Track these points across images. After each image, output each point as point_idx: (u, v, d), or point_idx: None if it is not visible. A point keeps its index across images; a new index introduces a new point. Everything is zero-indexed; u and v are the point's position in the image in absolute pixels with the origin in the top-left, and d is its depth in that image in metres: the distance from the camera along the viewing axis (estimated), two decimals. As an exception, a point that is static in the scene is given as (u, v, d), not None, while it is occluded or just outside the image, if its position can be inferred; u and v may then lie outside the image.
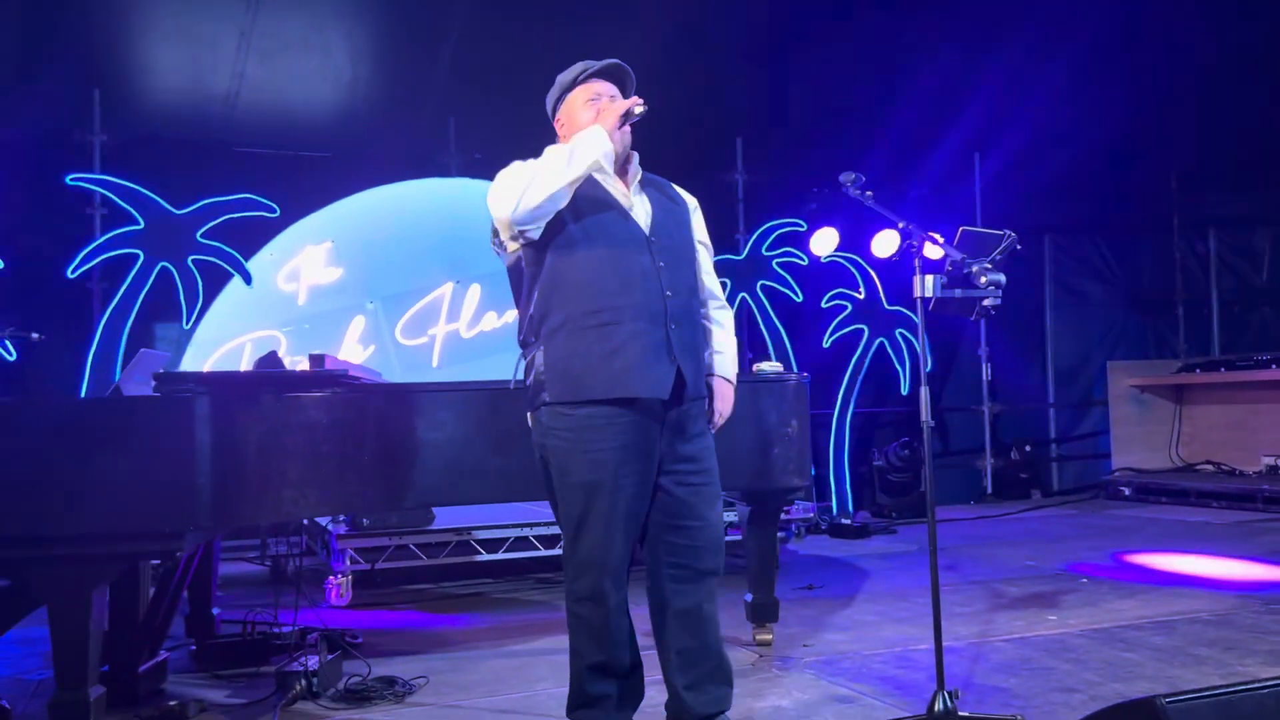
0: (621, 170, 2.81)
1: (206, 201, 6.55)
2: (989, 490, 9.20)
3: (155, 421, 2.91)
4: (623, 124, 2.71)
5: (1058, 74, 8.38)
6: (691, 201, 2.98)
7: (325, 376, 3.12)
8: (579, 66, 2.86)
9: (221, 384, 3.03)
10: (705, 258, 2.97)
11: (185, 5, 7.22)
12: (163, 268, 6.43)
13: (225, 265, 6.61)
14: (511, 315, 7.58)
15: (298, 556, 5.76)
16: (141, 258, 6.39)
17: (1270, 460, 8.78)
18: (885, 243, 7.38)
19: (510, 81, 7.73)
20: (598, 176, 2.73)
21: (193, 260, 6.50)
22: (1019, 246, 2.85)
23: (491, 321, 7.58)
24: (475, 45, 7.72)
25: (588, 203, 2.71)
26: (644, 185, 2.87)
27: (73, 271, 6.34)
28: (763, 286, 7.82)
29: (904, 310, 8.00)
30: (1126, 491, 8.95)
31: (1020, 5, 7.97)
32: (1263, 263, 10.48)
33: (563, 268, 2.69)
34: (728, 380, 2.96)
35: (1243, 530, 6.88)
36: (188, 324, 6.53)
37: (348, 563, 5.12)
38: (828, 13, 7.85)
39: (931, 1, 8.07)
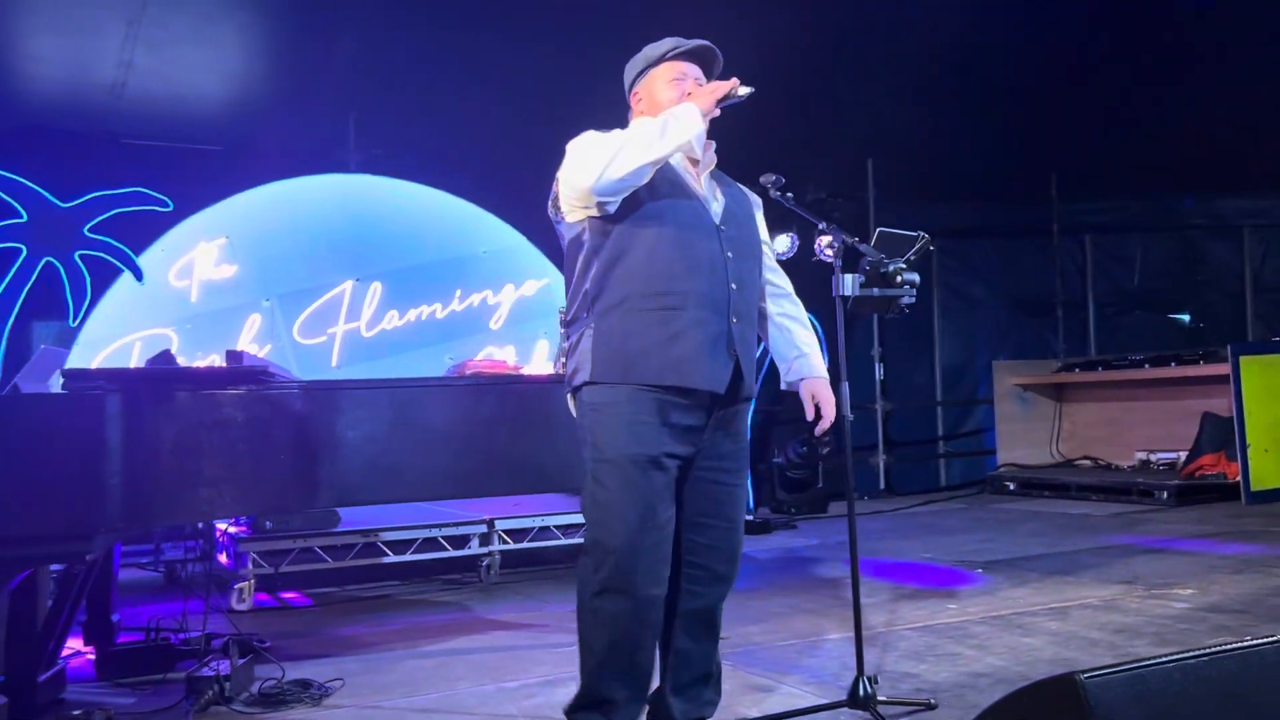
0: (692, 161, 2.73)
1: (95, 194, 6.34)
2: (882, 486, 9.46)
3: (64, 420, 2.81)
4: (719, 106, 2.62)
5: (944, 83, 8.66)
6: (757, 199, 2.93)
7: (242, 373, 3.05)
8: (669, 43, 2.77)
9: (134, 381, 2.94)
10: (769, 255, 2.93)
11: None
12: (47, 263, 6.17)
13: (115, 261, 6.39)
14: (414, 315, 7.53)
15: (194, 561, 5.60)
16: (24, 252, 6.13)
17: (1143, 455, 9.23)
18: (779, 242, 7.54)
19: (412, 78, 7.69)
20: (675, 158, 2.65)
21: (80, 255, 6.26)
22: (932, 248, 2.95)
23: (393, 320, 7.49)
24: (375, 41, 7.60)
25: (663, 182, 2.62)
26: (714, 175, 2.80)
27: (-52, 268, 6.05)
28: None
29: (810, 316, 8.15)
30: (1011, 486, 9.30)
31: (905, 14, 8.23)
32: (1135, 267, 11.00)
33: (628, 245, 2.58)
34: (824, 379, 2.88)
35: (1120, 521, 7.23)
36: (74, 322, 6.30)
37: (250, 566, 5.00)
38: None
39: (828, 11, 8.27)
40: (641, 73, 2.80)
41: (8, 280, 6.10)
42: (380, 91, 7.73)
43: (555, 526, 5.65)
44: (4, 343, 6.10)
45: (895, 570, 5.53)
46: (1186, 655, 2.10)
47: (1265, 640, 2.22)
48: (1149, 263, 10.98)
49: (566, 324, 2.74)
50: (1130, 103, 9.19)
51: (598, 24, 7.90)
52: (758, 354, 2.80)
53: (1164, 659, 2.08)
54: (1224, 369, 8.04)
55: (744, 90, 2.66)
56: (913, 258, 2.92)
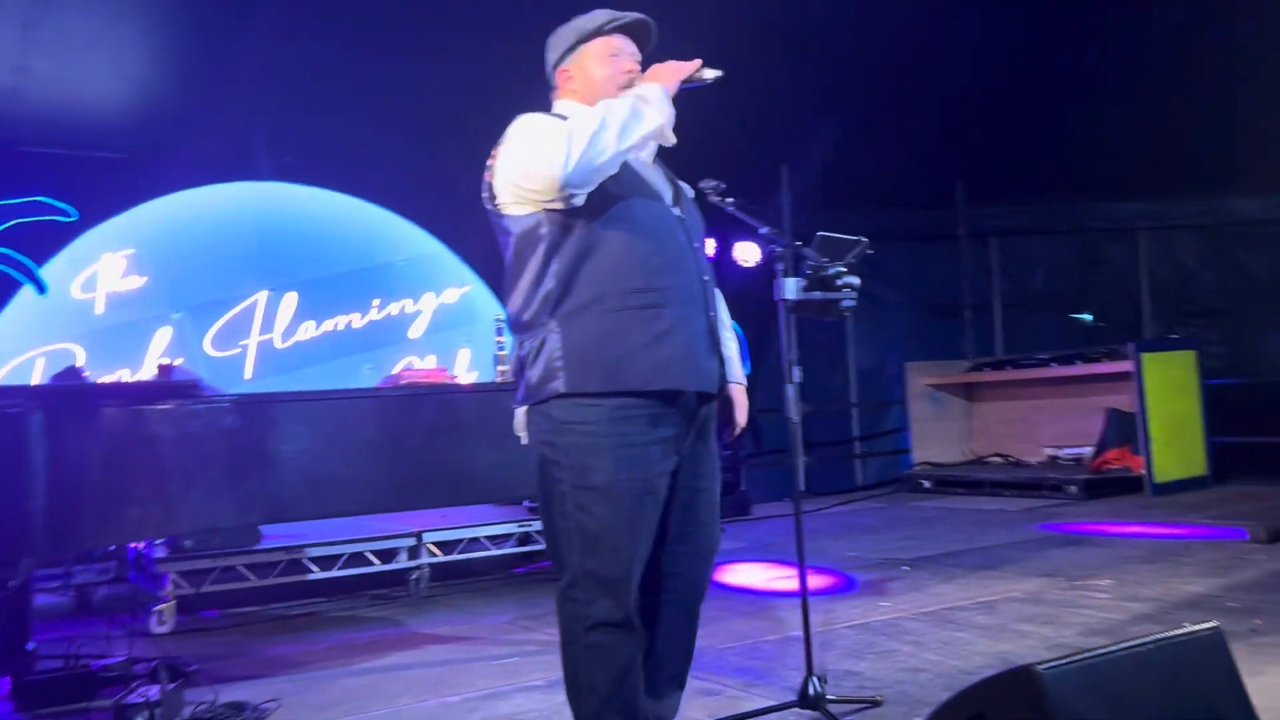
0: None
1: (-8, 204, 6.07)
2: (802, 487, 9.57)
3: (-16, 439, 2.68)
4: (681, 88, 2.44)
5: (854, 92, 8.83)
6: (689, 189, 2.74)
7: (171, 387, 2.95)
8: (603, 15, 2.57)
9: (57, 397, 2.82)
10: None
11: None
12: (-58, 277, 5.91)
13: (14, 273, 6.12)
14: (330, 325, 7.38)
15: (106, 583, 5.41)
16: (-82, 265, 5.86)
17: (1051, 451, 9.52)
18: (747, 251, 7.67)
19: (324, 83, 7.55)
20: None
21: (-25, 268, 6.01)
22: (871, 251, 3.00)
23: (309, 331, 7.35)
24: (286, 46, 7.44)
25: (625, 169, 2.41)
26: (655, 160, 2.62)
27: None
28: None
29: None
30: (927, 484, 9.50)
31: (815, 25, 8.39)
32: (1038, 270, 11.34)
33: (598, 238, 2.36)
34: (742, 385, 2.71)
35: (1032, 515, 7.43)
36: (-25, 336, 6.02)
37: (170, 587, 4.83)
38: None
39: (740, 18, 8.36)
40: (572, 48, 2.57)
41: (-99, 296, 5.83)
42: (292, 97, 7.56)
43: (485, 538, 5.59)
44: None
45: (824, 570, 5.60)
46: (1134, 644, 2.17)
47: (1201, 627, 2.31)
48: (1051, 265, 11.33)
49: (519, 328, 2.45)
50: (1032, 111, 9.47)
51: (509, 28, 7.88)
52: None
53: (1114, 648, 2.15)
54: (1126, 366, 8.34)
55: (710, 73, 2.49)
56: (853, 261, 2.96)
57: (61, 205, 6.26)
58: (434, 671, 3.84)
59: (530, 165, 2.31)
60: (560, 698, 3.33)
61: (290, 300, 7.27)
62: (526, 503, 5.65)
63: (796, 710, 2.99)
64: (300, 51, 7.46)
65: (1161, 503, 7.63)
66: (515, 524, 5.64)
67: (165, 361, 4.30)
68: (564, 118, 2.42)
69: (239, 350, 7.11)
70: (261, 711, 3.35)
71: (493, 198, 2.47)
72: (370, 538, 5.25)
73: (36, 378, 6.35)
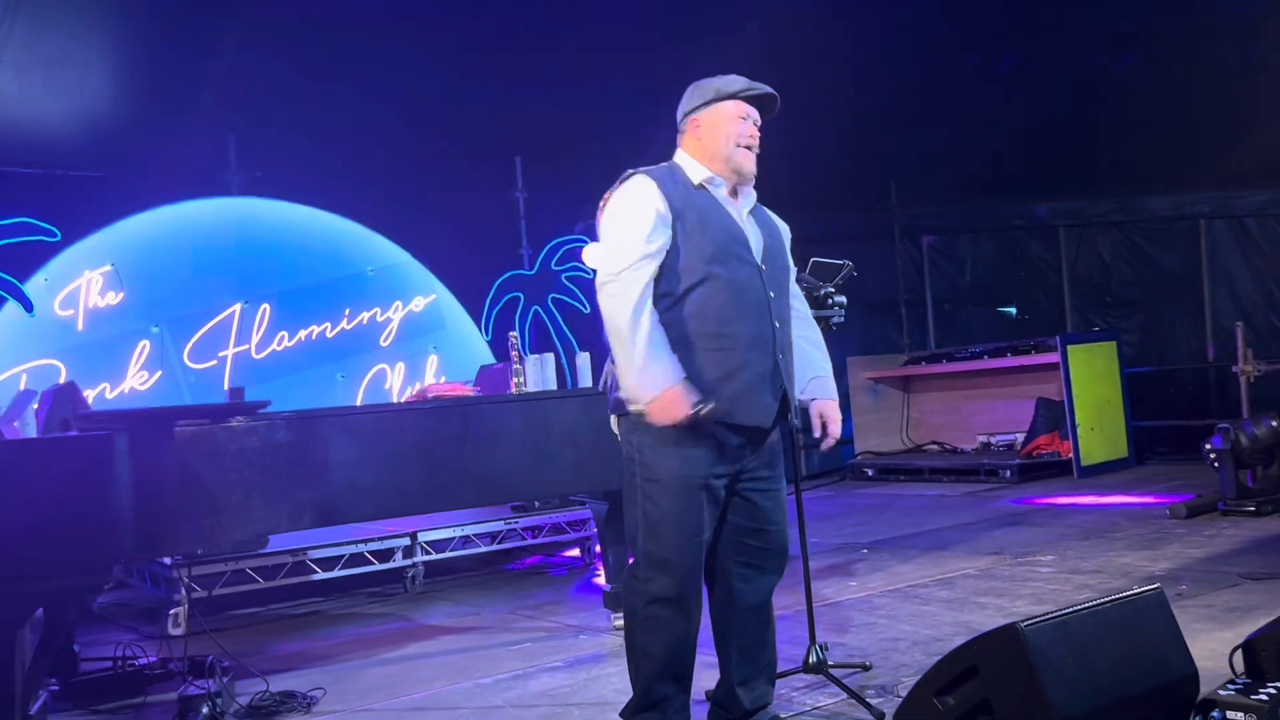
0: (734, 192, 2.87)
1: (-21, 226, 6.23)
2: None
3: (78, 459, 2.97)
4: (686, 421, 2.67)
5: (793, 99, 9.30)
6: (786, 227, 3.05)
7: (234, 407, 3.26)
8: (741, 82, 2.87)
9: (138, 420, 3.12)
10: (792, 280, 3.07)
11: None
12: (-67, 297, 6.06)
13: (2, 293, 6.29)
14: (304, 334, 7.64)
15: (108, 590, 5.63)
16: (-92, 287, 6.01)
17: (984, 438, 10.12)
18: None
19: (289, 98, 7.79)
20: (718, 197, 2.82)
21: (-34, 289, 6.17)
22: (855, 274, 3.43)
23: (284, 341, 7.59)
24: (250, 62, 7.66)
25: (712, 223, 2.75)
26: (752, 210, 2.93)
27: None
28: (553, 299, 8.25)
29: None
30: (870, 472, 10.03)
31: (752, 30, 8.87)
32: (966, 266, 11.96)
33: (683, 288, 2.72)
34: (834, 401, 3.06)
35: (974, 499, 7.99)
36: (-37, 356, 6.18)
37: (184, 591, 5.09)
38: (596, 43, 8.41)
39: (675, 35, 8.80)
40: (709, 102, 2.86)
41: (-108, 316, 5.96)
42: (259, 113, 7.79)
43: (474, 535, 5.92)
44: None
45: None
46: (1095, 604, 2.63)
47: (1148, 589, 2.79)
48: (977, 262, 11.96)
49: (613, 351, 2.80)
50: (959, 119, 10.05)
51: (470, 43, 8.21)
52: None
53: (1078, 607, 2.61)
54: (1054, 358, 8.96)
55: (705, 410, 2.67)
56: (840, 282, 3.39)
57: (46, 225, 6.43)
58: (456, 658, 4.19)
59: (604, 242, 2.74)
60: (584, 675, 3.77)
61: (265, 311, 7.52)
62: (511, 505, 5.98)
63: (801, 675, 3.41)
64: (266, 68, 7.69)
65: (1088, 484, 8.25)
66: (502, 522, 5.99)
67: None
68: (676, 178, 2.80)
69: (217, 362, 7.33)
70: (310, 699, 3.67)
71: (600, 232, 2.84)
72: (368, 539, 5.56)
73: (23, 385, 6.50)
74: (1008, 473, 8.79)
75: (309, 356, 7.65)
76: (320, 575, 5.46)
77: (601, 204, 2.85)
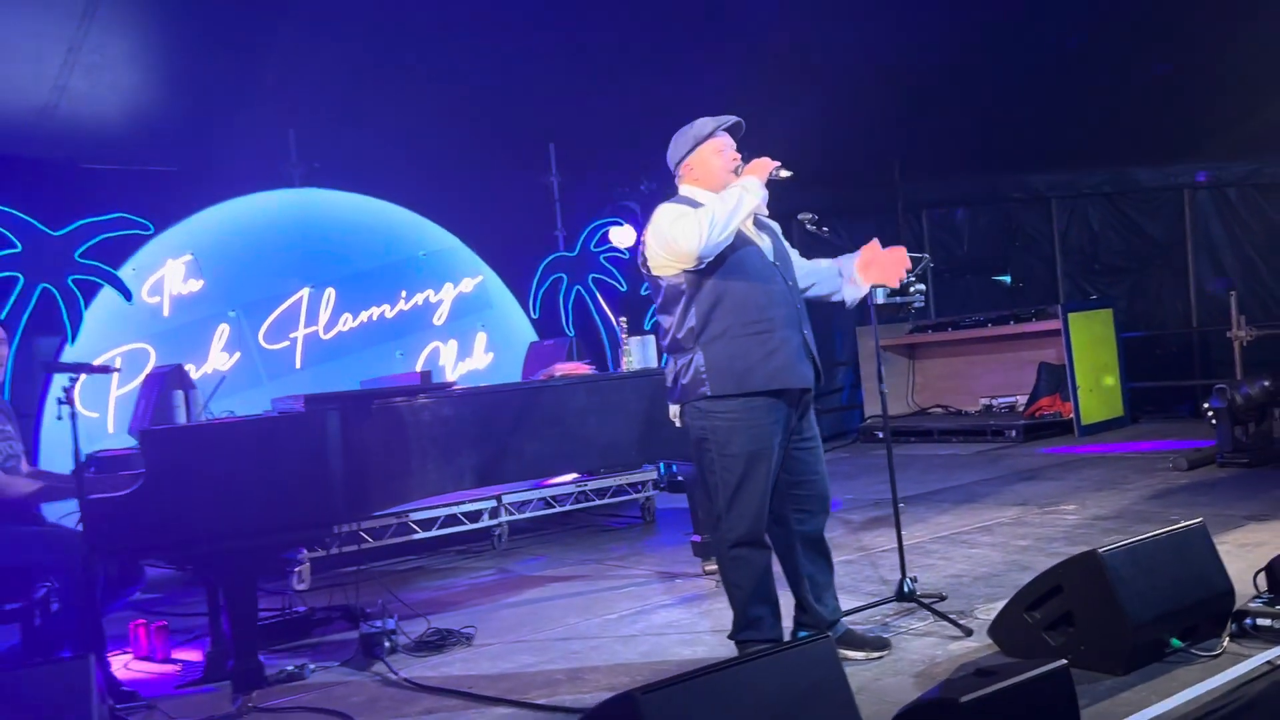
0: None
1: (82, 221, 6.71)
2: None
3: (307, 433, 3.55)
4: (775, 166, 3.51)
5: (803, 80, 9.89)
6: (775, 224, 3.75)
7: (422, 386, 3.85)
8: (711, 122, 3.57)
9: (348, 399, 3.69)
10: (796, 256, 3.80)
11: (12, 17, 7.21)
12: (44, 289, 6.53)
13: (106, 284, 6.79)
14: (365, 316, 8.18)
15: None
16: (22, 280, 6.48)
17: (986, 401, 10.81)
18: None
19: (342, 93, 8.28)
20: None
21: (73, 280, 6.65)
22: (932, 264, 4.04)
23: (348, 322, 8.10)
24: (304, 59, 8.12)
25: (736, 240, 3.45)
26: (756, 220, 3.64)
27: (-46, 296, 6.34)
28: (593, 279, 8.82)
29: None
30: (880, 435, 10.68)
31: (773, 29, 9.43)
32: (964, 237, 12.61)
33: (720, 288, 3.41)
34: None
35: (985, 457, 8.67)
36: (74, 343, 6.67)
37: (305, 551, 5.66)
38: (626, 35, 8.95)
39: (697, 27, 9.34)
40: (691, 149, 3.59)
41: (9, 307, 6.43)
42: (313, 106, 8.27)
43: (550, 498, 6.53)
44: (10, 364, 6.44)
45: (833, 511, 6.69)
46: (1156, 534, 3.28)
47: (1193, 522, 3.44)
48: (975, 232, 12.60)
49: (673, 349, 3.55)
50: (958, 96, 10.64)
51: (507, 36, 8.72)
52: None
53: (1143, 537, 3.26)
54: (1053, 324, 9.64)
55: (785, 173, 3.54)
56: (919, 271, 4.01)
57: (139, 219, 6.91)
58: (573, 600, 4.81)
59: (675, 243, 3.37)
60: (697, 609, 4.39)
61: (329, 295, 8.03)
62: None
63: (893, 603, 4.05)
64: (319, 64, 8.17)
65: (1090, 442, 8.95)
66: (573, 484, 6.60)
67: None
68: (694, 203, 3.48)
69: (289, 343, 7.85)
70: (465, 635, 4.27)
71: (646, 263, 3.55)
72: (461, 501, 6.14)
73: (116, 376, 7.02)
74: (1013, 432, 9.48)
75: (371, 336, 8.18)
76: (420, 535, 6.05)
77: (643, 237, 3.54)
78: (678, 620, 4.29)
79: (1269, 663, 3.12)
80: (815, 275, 3.85)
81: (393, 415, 3.79)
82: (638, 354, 4.71)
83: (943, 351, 11.33)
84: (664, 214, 3.47)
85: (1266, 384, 6.76)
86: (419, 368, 8.35)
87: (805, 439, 3.60)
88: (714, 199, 3.43)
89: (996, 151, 11.53)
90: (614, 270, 8.93)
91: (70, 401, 3.42)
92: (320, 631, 4.52)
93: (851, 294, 3.89)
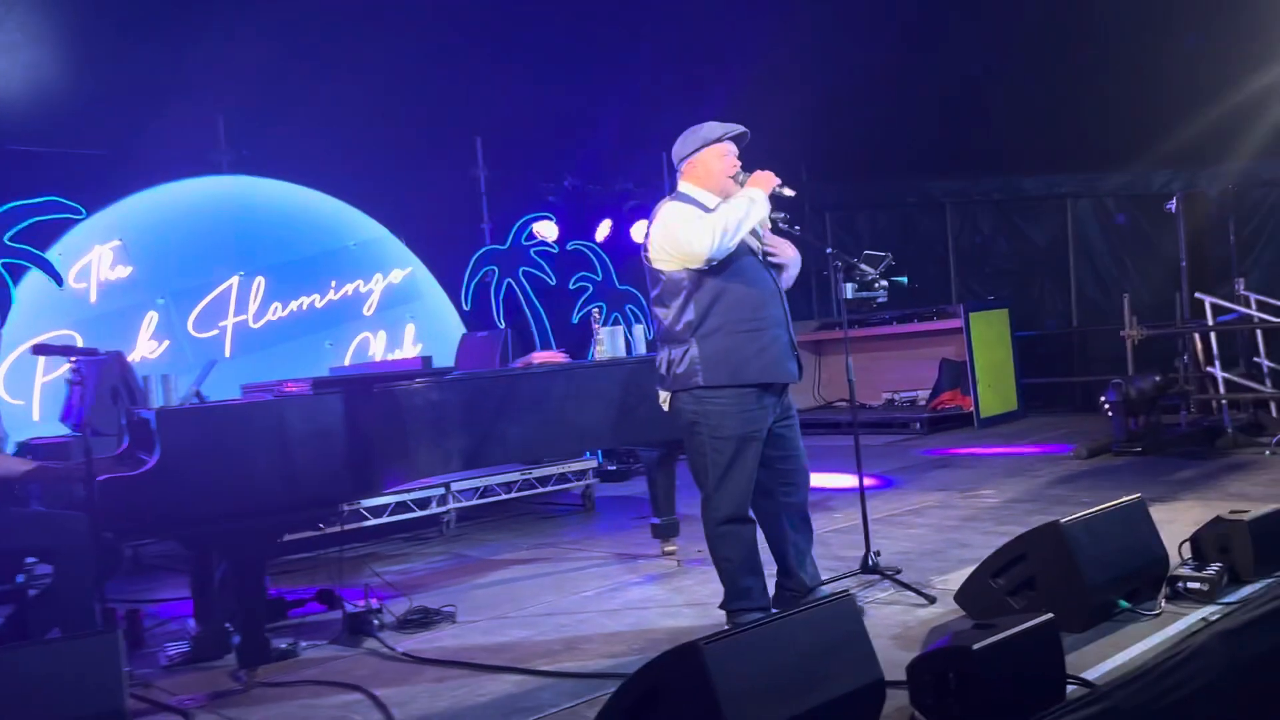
0: None
1: (12, 204, 6.57)
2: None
3: (311, 415, 3.65)
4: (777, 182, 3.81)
5: (719, 93, 10.25)
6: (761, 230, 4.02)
7: (422, 370, 3.98)
8: (719, 128, 3.82)
9: (350, 382, 3.81)
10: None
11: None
12: (-30, 272, 6.38)
13: (35, 267, 6.65)
14: (295, 305, 8.18)
15: (155, 540, 6.14)
16: (-51, 263, 6.32)
17: (889, 395, 11.34)
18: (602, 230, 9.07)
19: (273, 81, 8.24)
20: None
21: (3, 264, 6.49)
22: (893, 262, 4.37)
23: (277, 311, 8.09)
24: (235, 46, 8.06)
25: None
26: None
27: (-122, 279, 6.13)
28: (524, 272, 8.97)
29: (632, 289, 9.53)
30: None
31: (686, 30, 9.77)
32: (864, 239, 13.15)
33: (720, 286, 3.69)
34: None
35: (896, 448, 9.14)
36: (1, 327, 6.51)
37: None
38: (549, 35, 9.17)
39: (624, 30, 9.62)
40: (697, 149, 3.84)
41: (-65, 290, 6.27)
42: (243, 93, 8.20)
43: (498, 484, 6.68)
44: (-60, 350, 6.28)
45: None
46: (1106, 508, 3.67)
47: (1133, 497, 3.83)
48: (874, 234, 13.16)
49: (669, 340, 3.79)
50: (861, 105, 11.15)
51: (436, 28, 8.81)
52: None
53: (1095, 511, 3.63)
54: (954, 323, 10.20)
55: (788, 191, 3.85)
56: (882, 270, 4.32)
57: (71, 203, 6.79)
58: (542, 580, 4.99)
59: (686, 244, 3.64)
60: (668, 586, 4.63)
61: (259, 283, 7.99)
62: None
63: (860, 576, 4.37)
64: (250, 51, 8.11)
65: (989, 434, 9.51)
66: (518, 473, 6.75)
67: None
68: (696, 202, 3.79)
69: (218, 331, 7.79)
70: (447, 613, 4.41)
71: (648, 255, 3.82)
72: (410, 489, 6.23)
73: (42, 362, 6.87)
74: (918, 425, 10.00)
75: (300, 326, 8.17)
76: (372, 521, 6.12)
77: (648, 229, 3.82)
78: (653, 596, 4.52)
79: (1203, 620, 3.53)
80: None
81: (391, 399, 3.92)
82: (609, 344, 4.92)
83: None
84: (674, 213, 3.73)
85: (1158, 379, 7.36)
86: (348, 358, 8.38)
87: (787, 419, 3.92)
88: (724, 208, 3.70)
89: (896, 158, 12.11)
90: (543, 264, 9.11)
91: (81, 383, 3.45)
92: (295, 613, 4.59)
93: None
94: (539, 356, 4.77)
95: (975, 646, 2.62)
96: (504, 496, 6.86)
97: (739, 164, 3.90)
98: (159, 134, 7.86)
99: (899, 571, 4.48)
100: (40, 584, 3.89)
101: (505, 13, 9.21)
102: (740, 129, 3.92)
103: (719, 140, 3.86)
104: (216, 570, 4.14)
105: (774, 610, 3.86)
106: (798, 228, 4.35)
